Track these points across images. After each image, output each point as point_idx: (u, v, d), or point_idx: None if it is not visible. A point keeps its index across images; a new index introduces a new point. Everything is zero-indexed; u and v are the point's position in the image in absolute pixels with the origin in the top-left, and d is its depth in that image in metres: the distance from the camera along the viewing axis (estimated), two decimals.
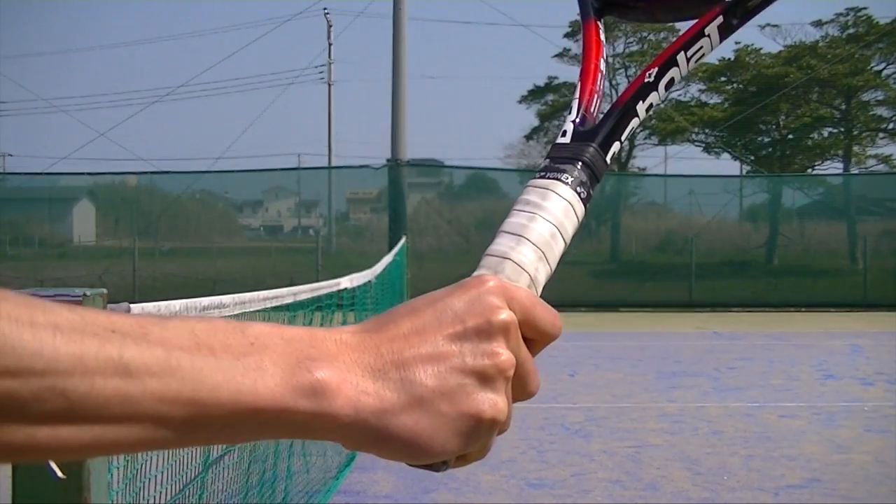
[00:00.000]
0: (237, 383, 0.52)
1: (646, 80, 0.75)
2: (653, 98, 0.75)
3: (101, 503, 1.72)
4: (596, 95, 0.77)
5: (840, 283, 22.45)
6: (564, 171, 0.69)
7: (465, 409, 0.57)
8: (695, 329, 17.08)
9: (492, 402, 0.57)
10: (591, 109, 0.75)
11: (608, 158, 0.72)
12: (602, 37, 0.82)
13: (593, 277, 21.79)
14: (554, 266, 0.68)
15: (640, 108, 0.75)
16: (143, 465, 2.46)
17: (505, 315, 0.59)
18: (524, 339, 0.61)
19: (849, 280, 22.65)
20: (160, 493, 2.60)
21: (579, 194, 0.68)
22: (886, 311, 19.73)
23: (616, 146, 0.73)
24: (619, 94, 0.76)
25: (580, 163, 0.70)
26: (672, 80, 0.76)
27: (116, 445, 0.52)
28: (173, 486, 2.77)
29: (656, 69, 0.75)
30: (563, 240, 0.67)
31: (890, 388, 10.13)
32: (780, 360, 12.37)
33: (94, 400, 0.49)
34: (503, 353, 0.58)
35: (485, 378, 0.57)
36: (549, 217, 0.67)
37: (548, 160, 0.70)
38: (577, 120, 0.74)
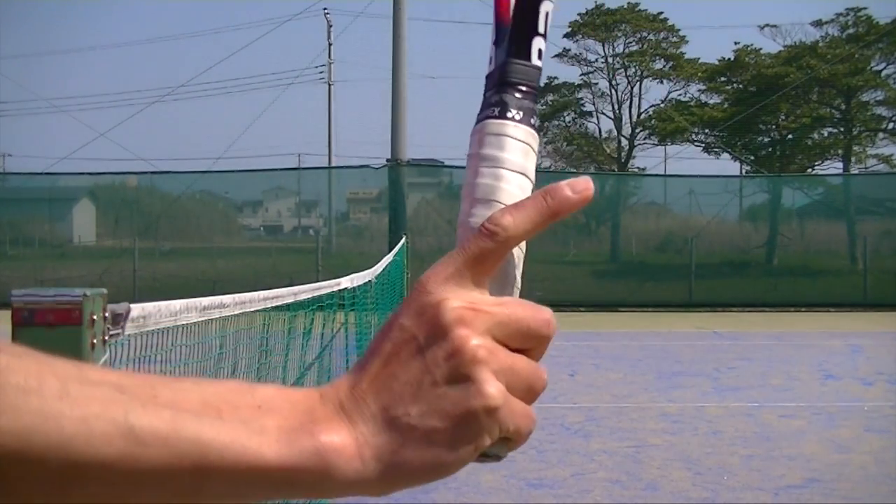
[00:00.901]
0: (242, 447, 0.53)
1: None
2: None
3: None
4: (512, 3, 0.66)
5: (840, 283, 22.45)
6: (490, 105, 0.64)
7: (454, 414, 0.56)
8: (695, 329, 17.09)
9: (475, 393, 0.56)
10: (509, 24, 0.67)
11: (535, 60, 0.65)
12: None
13: (593, 277, 21.80)
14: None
15: None
16: None
17: (451, 305, 0.57)
18: (516, 350, 0.59)
19: (849, 280, 22.65)
20: None
21: (513, 118, 0.64)
22: (886, 311, 19.73)
23: (539, 42, 0.65)
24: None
25: (504, 86, 0.64)
26: None
27: (124, 501, 0.53)
28: None
29: None
30: (515, 172, 0.64)
31: (890, 388, 10.13)
32: (780, 360, 12.37)
33: (99, 463, 0.50)
34: (464, 343, 0.57)
35: (458, 377, 0.56)
36: (487, 162, 0.63)
37: (485, 96, 0.65)
38: (496, 39, 0.66)
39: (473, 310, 0.58)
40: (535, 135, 0.65)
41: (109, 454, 0.50)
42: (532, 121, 0.64)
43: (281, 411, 0.55)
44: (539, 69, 0.65)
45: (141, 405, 0.51)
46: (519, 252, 0.63)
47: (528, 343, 0.59)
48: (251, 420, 0.54)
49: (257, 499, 0.56)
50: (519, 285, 0.63)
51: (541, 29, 0.65)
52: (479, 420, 0.56)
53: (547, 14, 0.65)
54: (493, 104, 0.64)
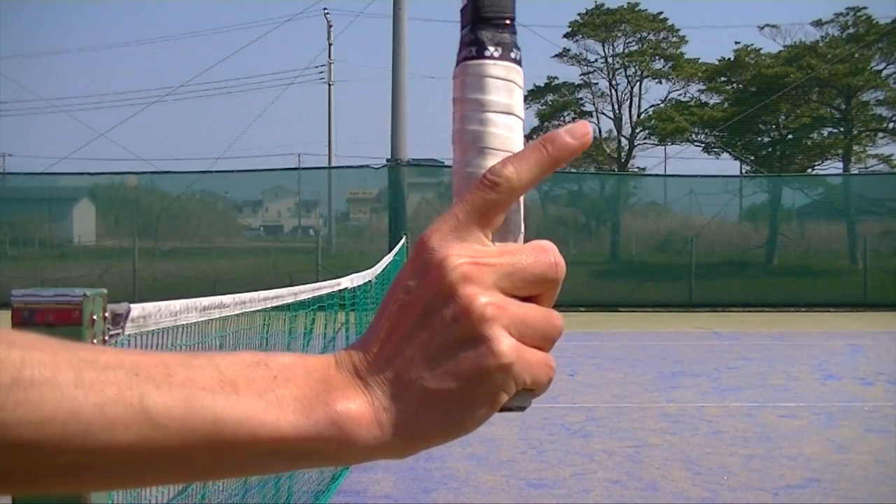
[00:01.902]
0: (259, 420, 0.53)
1: None
2: None
3: (101, 503, 1.72)
4: None
5: (840, 283, 22.46)
6: (464, 46, 0.61)
7: (468, 374, 0.56)
8: (695, 329, 17.09)
9: (487, 352, 0.55)
10: None
11: None
12: None
13: (593, 277, 21.79)
14: (514, 137, 0.62)
15: None
16: None
17: (453, 263, 0.56)
18: (526, 298, 0.58)
19: (849, 280, 22.65)
20: (162, 493, 2.60)
21: (512, 59, 0.61)
22: (886, 311, 19.73)
23: None
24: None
25: (477, 23, 0.61)
26: None
27: (143, 482, 0.54)
28: (175, 486, 2.77)
29: None
30: (499, 112, 0.61)
31: (890, 388, 10.13)
32: (780, 360, 12.37)
33: (116, 448, 0.51)
34: (471, 302, 0.56)
35: (467, 337, 0.56)
36: (469, 106, 0.61)
37: (461, 35, 0.62)
38: None
39: (477, 264, 0.57)
40: (518, 69, 0.62)
41: (127, 439, 0.51)
42: (512, 55, 0.61)
43: (296, 381, 0.55)
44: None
45: (155, 386, 0.52)
46: (521, 206, 0.62)
47: (537, 289, 0.58)
48: (267, 392, 0.54)
49: (278, 470, 0.57)
50: (523, 230, 0.62)
51: None
52: (493, 378, 0.56)
53: None
54: (470, 43, 0.61)
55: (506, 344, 0.56)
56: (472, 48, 0.61)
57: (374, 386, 0.56)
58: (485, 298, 0.56)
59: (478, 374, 0.56)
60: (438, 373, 0.56)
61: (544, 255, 0.58)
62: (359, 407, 0.55)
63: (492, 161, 0.60)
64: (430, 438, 0.57)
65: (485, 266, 0.57)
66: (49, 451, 0.50)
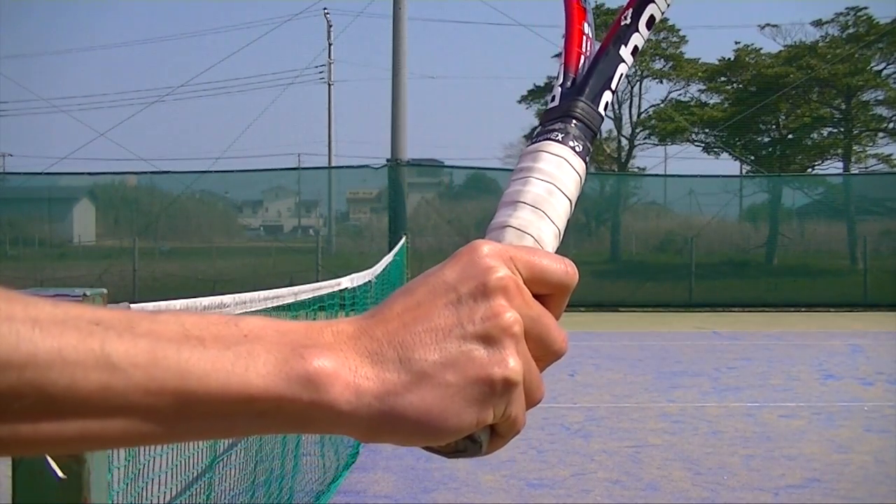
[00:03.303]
0: (227, 372, 0.51)
1: (623, 23, 0.73)
2: (635, 40, 0.73)
3: (101, 503, 1.72)
4: (583, 58, 0.74)
5: (840, 283, 22.45)
6: (554, 130, 0.68)
7: (473, 374, 0.55)
8: (695, 329, 17.08)
9: (499, 361, 0.55)
10: (580, 72, 0.73)
11: (601, 109, 0.71)
12: (584, 3, 0.78)
13: (593, 277, 21.78)
14: (561, 224, 0.66)
15: (624, 52, 0.73)
16: (146, 466, 2.45)
17: (501, 273, 0.57)
18: (540, 297, 0.59)
19: (849, 280, 22.65)
20: (164, 493, 2.59)
21: (573, 148, 0.67)
22: (886, 311, 19.73)
23: (608, 95, 0.71)
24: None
25: (570, 118, 0.69)
26: (652, 18, 0.73)
27: (103, 439, 0.50)
28: (177, 486, 2.76)
29: (631, 10, 0.74)
30: (564, 195, 0.66)
31: (890, 388, 10.13)
32: (780, 360, 12.37)
33: (76, 394, 0.48)
34: (504, 312, 0.56)
35: (488, 340, 0.55)
36: (543, 176, 0.66)
37: (539, 127, 0.70)
38: (565, 84, 0.73)
39: (519, 288, 0.57)
40: (577, 157, 0.68)
41: (87, 385, 0.48)
42: (587, 158, 0.68)
43: (269, 338, 0.53)
44: (603, 118, 0.71)
45: (117, 335, 0.49)
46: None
47: (547, 290, 0.60)
48: (236, 345, 0.52)
49: (242, 432, 0.53)
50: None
51: (613, 85, 0.72)
52: (493, 387, 0.55)
53: (622, 75, 0.72)
54: (558, 130, 0.68)
55: (518, 363, 0.56)
56: (559, 133, 0.70)
57: (362, 353, 0.54)
58: (514, 315, 0.56)
59: (482, 377, 0.55)
60: (444, 361, 0.55)
61: (565, 264, 0.61)
62: (336, 367, 0.53)
63: (522, 213, 0.66)
64: (402, 425, 0.54)
65: (523, 294, 0.58)
66: (4, 395, 0.46)
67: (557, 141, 0.67)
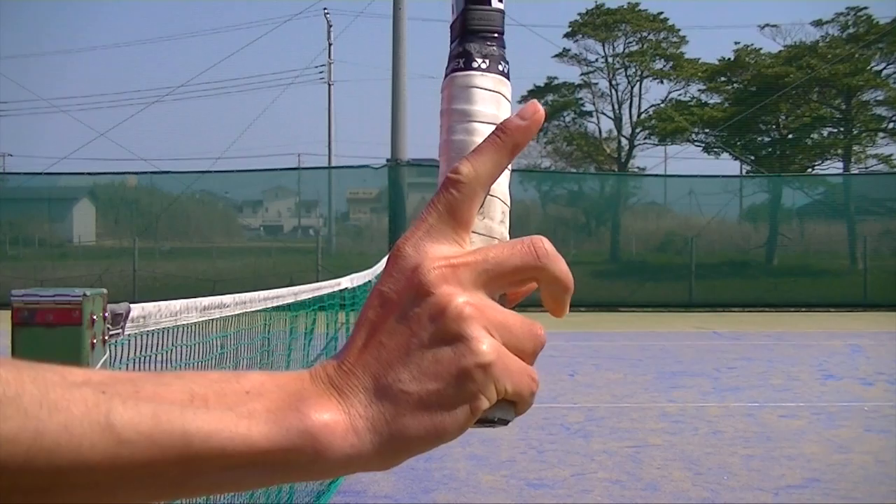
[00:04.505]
0: (230, 432, 0.52)
1: None
2: None
3: None
4: None
5: (840, 283, 22.46)
6: (470, 54, 0.61)
7: (448, 375, 0.54)
8: (695, 329, 17.08)
9: (465, 352, 0.55)
10: None
11: (495, 2, 0.62)
12: None
13: (593, 277, 21.78)
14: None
15: None
16: None
17: (429, 268, 0.56)
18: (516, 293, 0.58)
19: (849, 280, 22.66)
20: None
21: (500, 72, 0.62)
22: (886, 311, 19.73)
23: None
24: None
25: (476, 36, 0.62)
26: None
27: (113, 501, 0.52)
28: None
29: None
30: (486, 126, 0.61)
31: (890, 388, 10.13)
32: (780, 360, 12.37)
33: (83, 465, 0.49)
34: (449, 302, 0.55)
35: (446, 336, 0.55)
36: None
37: (450, 48, 0.63)
38: None
39: (452, 266, 0.56)
40: (506, 81, 0.63)
41: (93, 457, 0.49)
42: (500, 67, 0.62)
43: (269, 395, 0.54)
44: (502, 11, 0.62)
45: (121, 402, 0.50)
46: (503, 206, 0.62)
47: (520, 279, 0.58)
48: (238, 405, 0.53)
49: (253, 486, 0.55)
50: (507, 227, 0.62)
51: None
52: (473, 378, 0.55)
53: None
54: (458, 56, 0.62)
55: (485, 343, 0.55)
56: (459, 60, 0.62)
57: (349, 394, 0.55)
58: (462, 298, 0.56)
59: (457, 373, 0.54)
60: (417, 374, 0.55)
61: (520, 244, 0.58)
62: (332, 415, 0.54)
63: None
64: (409, 444, 0.55)
65: (460, 266, 0.56)
66: (13, 471, 0.48)
67: (461, 69, 0.61)
